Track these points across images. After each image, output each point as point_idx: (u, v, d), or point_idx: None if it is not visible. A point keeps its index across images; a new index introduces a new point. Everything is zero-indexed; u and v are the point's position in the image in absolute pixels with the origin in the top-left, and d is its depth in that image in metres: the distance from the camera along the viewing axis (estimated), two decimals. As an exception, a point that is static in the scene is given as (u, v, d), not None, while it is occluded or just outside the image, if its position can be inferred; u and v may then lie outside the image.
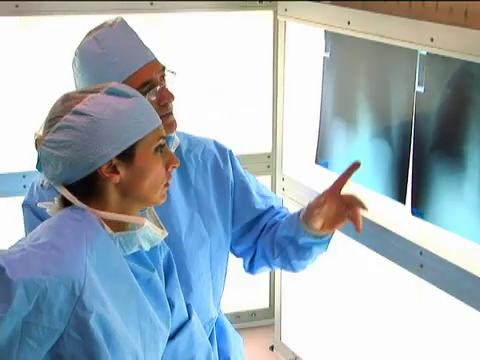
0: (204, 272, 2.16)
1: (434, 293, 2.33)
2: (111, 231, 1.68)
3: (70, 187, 1.67)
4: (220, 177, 2.18)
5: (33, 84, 3.05)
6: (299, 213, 2.04)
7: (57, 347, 1.57)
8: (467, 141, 2.09)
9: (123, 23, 2.05)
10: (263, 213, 2.19)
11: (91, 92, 1.67)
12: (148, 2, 3.12)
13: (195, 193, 2.15)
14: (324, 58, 2.72)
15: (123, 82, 1.99)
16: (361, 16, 2.50)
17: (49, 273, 1.54)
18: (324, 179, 2.64)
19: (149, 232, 1.71)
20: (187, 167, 2.14)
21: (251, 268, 2.23)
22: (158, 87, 2.00)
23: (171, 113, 2.03)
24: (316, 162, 2.77)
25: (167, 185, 1.75)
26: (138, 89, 1.97)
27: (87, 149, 1.62)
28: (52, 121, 1.65)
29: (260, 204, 2.19)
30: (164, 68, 2.03)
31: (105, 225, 1.68)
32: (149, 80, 1.99)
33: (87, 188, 1.67)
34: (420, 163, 2.25)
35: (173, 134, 2.11)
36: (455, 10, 2.30)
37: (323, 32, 2.71)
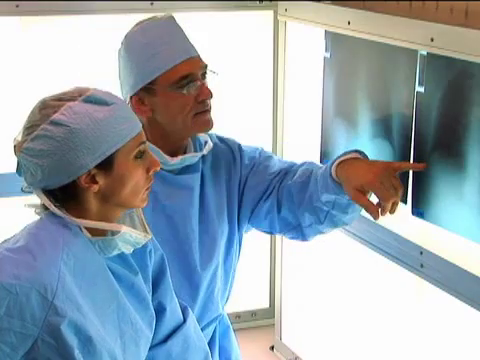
0: (214, 272, 2.17)
1: (434, 293, 2.33)
2: (89, 235, 1.67)
3: (50, 192, 1.66)
4: (230, 178, 2.20)
5: (33, 84, 3.05)
6: (330, 173, 2.02)
7: (32, 352, 1.57)
8: (467, 141, 2.08)
9: (171, 18, 2.10)
10: (270, 182, 2.19)
11: (68, 100, 1.64)
12: (148, 2, 3.11)
13: (211, 196, 2.16)
14: (324, 58, 2.72)
15: (163, 73, 2.02)
16: (361, 16, 2.50)
17: (20, 278, 1.54)
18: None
19: (129, 237, 1.70)
20: (203, 171, 2.16)
21: (304, 238, 2.22)
22: (198, 82, 2.01)
23: (208, 111, 2.04)
24: (321, 162, 2.76)
25: (148, 189, 1.73)
26: (177, 82, 2.00)
27: (65, 160, 1.60)
28: (30, 129, 1.64)
29: (268, 178, 2.20)
30: (206, 66, 2.05)
31: (84, 230, 1.67)
32: (189, 74, 2.01)
33: (66, 195, 1.66)
34: (421, 163, 2.24)
35: (207, 139, 2.13)
36: (455, 10, 2.30)
37: (323, 32, 2.71)
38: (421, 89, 2.23)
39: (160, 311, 1.87)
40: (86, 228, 1.67)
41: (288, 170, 2.20)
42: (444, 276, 2.26)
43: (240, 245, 2.28)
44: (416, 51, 2.24)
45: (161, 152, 2.06)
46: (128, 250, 1.73)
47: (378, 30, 2.40)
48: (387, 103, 2.39)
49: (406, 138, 2.30)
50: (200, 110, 2.05)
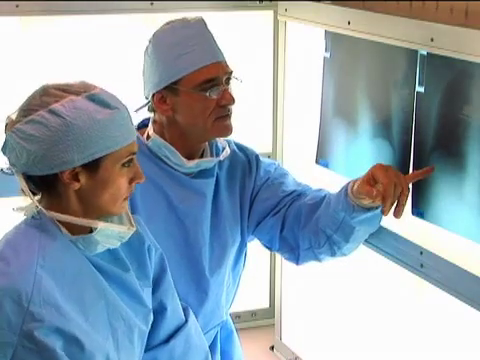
0: (223, 279, 2.17)
1: (434, 293, 2.33)
2: (69, 234, 1.66)
3: (31, 178, 1.65)
4: (244, 187, 2.20)
5: (33, 84, 3.04)
6: (345, 190, 2.03)
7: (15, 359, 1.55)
8: (467, 141, 2.08)
9: (201, 21, 2.11)
10: (280, 199, 2.19)
11: (72, 93, 1.63)
12: (148, 2, 3.11)
13: (225, 203, 2.17)
14: (324, 58, 2.72)
15: (189, 74, 2.03)
16: (361, 16, 2.50)
17: None
18: (324, 179, 2.63)
19: (110, 232, 1.68)
20: (218, 177, 2.17)
21: (297, 261, 2.24)
22: (222, 87, 2.02)
23: (228, 116, 2.06)
24: (316, 162, 2.76)
25: (127, 198, 1.72)
26: (201, 84, 2.01)
27: (53, 151, 1.59)
28: (26, 111, 1.63)
29: (278, 194, 2.20)
30: (231, 72, 2.07)
31: (63, 229, 1.66)
32: (214, 78, 2.02)
33: (47, 186, 1.65)
34: (420, 163, 2.24)
35: (225, 145, 2.14)
36: (455, 10, 2.29)
37: (323, 32, 2.71)
38: (421, 89, 2.23)
39: (161, 310, 1.86)
40: (67, 227, 1.66)
41: (302, 192, 2.21)
42: (444, 276, 2.26)
43: (246, 254, 2.29)
44: (416, 51, 2.24)
45: (178, 154, 2.07)
46: (114, 245, 1.71)
47: (378, 30, 2.40)
48: (387, 103, 2.39)
49: (406, 138, 2.30)
50: (221, 115, 2.07)
